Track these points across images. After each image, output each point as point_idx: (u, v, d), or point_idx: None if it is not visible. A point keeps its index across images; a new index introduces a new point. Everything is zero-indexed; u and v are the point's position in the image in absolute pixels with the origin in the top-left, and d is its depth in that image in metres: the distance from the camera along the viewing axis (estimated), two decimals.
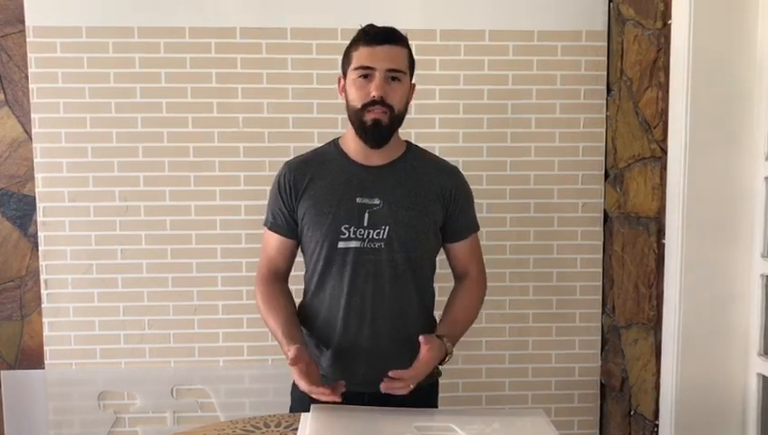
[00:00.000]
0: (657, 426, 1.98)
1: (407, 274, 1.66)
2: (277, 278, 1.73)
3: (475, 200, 2.32)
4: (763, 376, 1.78)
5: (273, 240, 1.72)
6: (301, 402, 1.72)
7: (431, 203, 1.67)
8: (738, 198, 1.80)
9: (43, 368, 2.34)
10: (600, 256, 2.39)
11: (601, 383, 2.42)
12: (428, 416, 1.53)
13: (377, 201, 1.63)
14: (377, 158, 1.66)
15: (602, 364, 2.41)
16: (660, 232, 1.95)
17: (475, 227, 1.79)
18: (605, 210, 2.36)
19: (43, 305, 2.31)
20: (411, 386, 1.55)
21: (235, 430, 1.52)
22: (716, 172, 1.80)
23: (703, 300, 1.84)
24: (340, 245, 1.62)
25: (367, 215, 1.62)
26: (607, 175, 2.34)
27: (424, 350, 1.55)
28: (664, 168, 1.90)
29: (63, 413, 2.34)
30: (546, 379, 2.43)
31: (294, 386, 1.78)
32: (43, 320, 2.32)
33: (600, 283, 2.40)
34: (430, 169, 1.71)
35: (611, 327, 2.33)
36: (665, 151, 1.90)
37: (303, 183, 1.66)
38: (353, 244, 1.62)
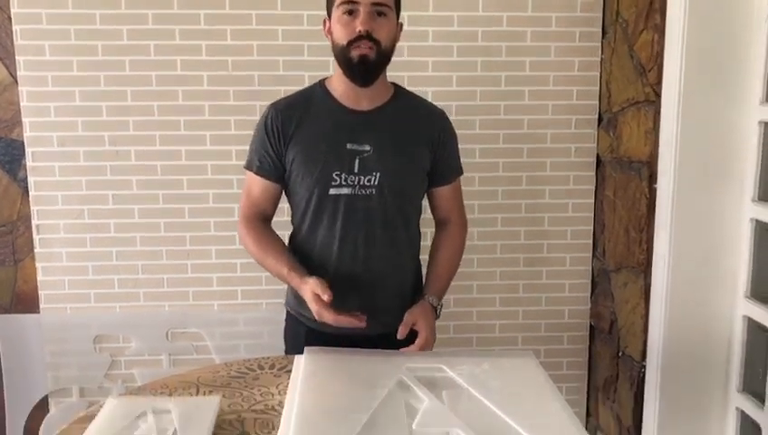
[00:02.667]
0: (644, 367, 2.02)
1: (397, 219, 1.66)
2: (262, 220, 1.72)
3: (468, 145, 2.32)
4: (749, 319, 1.81)
5: (259, 184, 1.69)
6: (294, 345, 1.75)
7: (419, 148, 1.66)
8: (731, 142, 1.80)
9: (38, 312, 2.35)
10: (592, 200, 2.39)
11: (590, 326, 2.46)
12: (419, 357, 1.55)
13: (367, 147, 1.61)
14: (365, 101, 1.64)
15: (592, 307, 2.45)
16: (652, 177, 1.95)
17: (459, 171, 1.78)
18: (598, 155, 2.35)
19: (35, 250, 2.32)
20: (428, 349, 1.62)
21: (230, 372, 1.54)
22: (710, 116, 1.79)
23: (693, 244, 1.85)
24: (332, 191, 1.62)
25: (358, 161, 1.61)
26: (600, 119, 2.33)
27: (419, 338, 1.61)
28: (658, 112, 1.89)
29: (60, 356, 2.37)
30: (536, 321, 2.47)
31: (287, 329, 1.80)
32: (37, 265, 2.32)
33: (591, 227, 2.41)
34: (418, 112, 1.69)
35: (601, 271, 2.36)
36: (659, 95, 1.89)
37: (291, 127, 1.63)
38: (345, 190, 1.62)
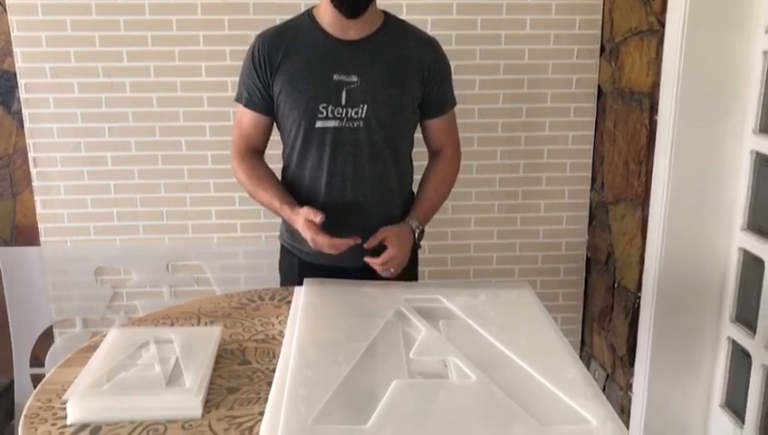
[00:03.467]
0: (639, 298, 2.05)
1: (385, 152, 1.65)
2: (254, 154, 1.71)
3: (468, 76, 2.28)
4: (744, 250, 1.83)
5: (249, 117, 1.66)
6: (288, 277, 1.77)
7: (409, 79, 1.62)
8: (734, 73, 1.77)
9: (39, 245, 2.37)
10: (592, 132, 2.37)
11: (587, 258, 2.48)
12: (417, 289, 1.57)
13: (354, 78, 1.57)
14: (353, 31, 1.59)
15: (589, 239, 2.47)
16: (653, 108, 1.93)
17: (453, 102, 1.75)
18: (599, 86, 2.32)
19: (33, 184, 2.31)
20: (392, 270, 1.61)
21: (231, 303, 1.56)
22: (714, 47, 1.76)
23: (692, 176, 1.85)
24: (318, 124, 1.59)
25: (345, 93, 1.57)
26: (602, 49, 2.29)
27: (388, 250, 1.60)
28: (661, 42, 1.86)
29: (62, 288, 2.39)
30: (533, 253, 2.49)
31: (282, 262, 1.82)
32: (35, 198, 2.32)
33: (591, 160, 2.40)
34: (408, 42, 1.64)
35: (599, 203, 2.36)
36: (662, 25, 1.85)
37: (278, 57, 1.59)
38: (331, 123, 1.59)
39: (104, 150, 2.30)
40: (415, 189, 1.80)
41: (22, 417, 1.11)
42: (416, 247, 1.72)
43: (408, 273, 1.74)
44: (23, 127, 2.27)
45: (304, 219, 1.52)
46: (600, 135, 2.34)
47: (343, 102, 1.58)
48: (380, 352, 1.25)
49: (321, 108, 1.58)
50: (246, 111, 1.66)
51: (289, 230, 1.69)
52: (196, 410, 1.11)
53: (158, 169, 2.33)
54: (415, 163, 1.79)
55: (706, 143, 1.83)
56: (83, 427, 1.08)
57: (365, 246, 1.60)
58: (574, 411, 1.07)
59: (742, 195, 1.83)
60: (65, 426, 1.08)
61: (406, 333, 1.32)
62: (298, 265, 1.74)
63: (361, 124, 1.60)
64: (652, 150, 1.94)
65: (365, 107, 1.59)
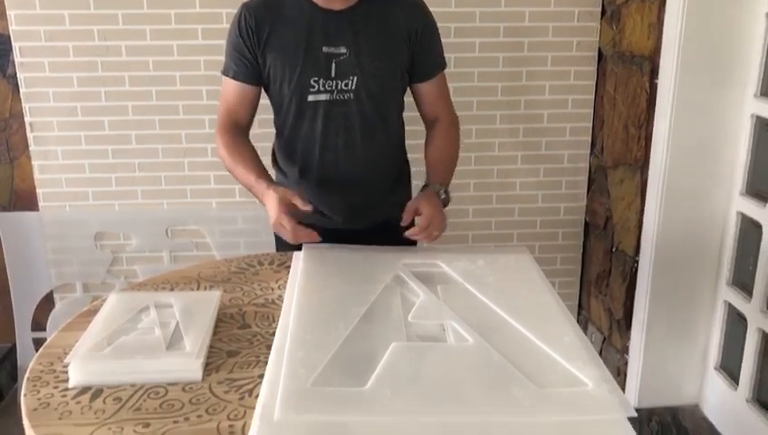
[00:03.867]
0: (636, 262, 2.06)
1: (376, 123, 1.63)
2: (238, 130, 1.64)
3: (467, 39, 2.26)
4: (743, 214, 1.83)
5: (234, 89, 1.62)
6: (283, 240, 1.76)
7: (397, 47, 1.59)
8: (736, 37, 1.75)
9: (38, 210, 2.37)
10: (592, 96, 2.36)
11: (585, 222, 2.49)
12: (416, 254, 1.58)
13: (343, 50, 1.55)
14: (339, 1, 1.54)
15: (587, 204, 2.47)
16: (654, 71, 1.92)
17: (442, 65, 1.70)
18: (599, 49, 2.30)
19: (30, 148, 2.30)
20: (436, 233, 1.54)
21: (230, 268, 1.57)
22: (715, 9, 1.74)
23: (691, 140, 1.84)
24: (310, 98, 1.57)
25: (334, 65, 1.55)
26: (603, 12, 2.26)
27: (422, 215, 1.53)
28: (662, 4, 1.83)
29: (61, 253, 2.40)
30: (532, 218, 2.49)
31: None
32: (33, 163, 2.32)
33: (590, 124, 2.39)
34: (394, 7, 1.59)
35: (598, 168, 2.36)
36: None
37: (265, 30, 1.55)
38: (323, 96, 1.57)
39: (101, 115, 2.28)
40: (409, 154, 1.79)
41: (24, 380, 1.12)
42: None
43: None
44: (18, 91, 2.25)
45: (278, 198, 1.45)
46: (601, 99, 2.32)
47: (333, 75, 1.56)
48: (379, 316, 1.25)
49: (312, 82, 1.56)
50: (233, 84, 1.61)
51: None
52: (197, 374, 1.12)
53: (155, 134, 2.31)
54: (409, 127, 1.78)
55: (707, 107, 1.82)
56: (85, 389, 1.09)
57: (402, 223, 1.55)
58: (570, 374, 1.08)
59: (741, 159, 1.82)
60: (67, 389, 1.09)
61: (404, 298, 1.33)
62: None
63: (351, 96, 1.58)
64: (652, 114, 1.93)
65: (354, 78, 1.56)
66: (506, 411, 0.99)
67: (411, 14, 1.61)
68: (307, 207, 1.46)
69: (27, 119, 2.27)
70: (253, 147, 1.66)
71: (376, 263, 1.48)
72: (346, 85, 1.57)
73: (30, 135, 2.29)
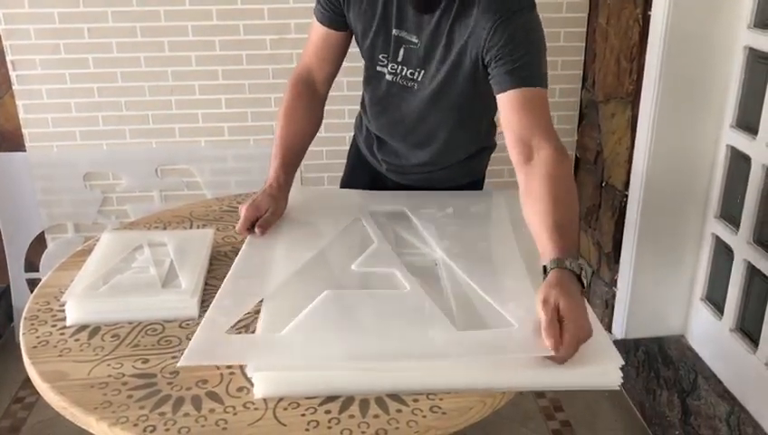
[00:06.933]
0: (626, 196, 2.07)
1: (435, 119, 1.52)
2: (308, 88, 1.54)
3: None
4: (732, 147, 1.84)
5: (319, 31, 1.51)
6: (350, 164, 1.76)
7: (468, 50, 1.37)
8: None
9: (25, 150, 2.34)
10: (584, 29, 2.32)
11: (576, 157, 2.49)
12: (388, 198, 1.56)
13: (414, 40, 1.42)
14: None
15: (578, 139, 2.46)
16: (647, 3, 1.89)
17: (528, 81, 1.34)
18: None
19: (13, 87, 2.26)
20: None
21: (222, 207, 1.57)
22: None
23: (683, 72, 1.83)
24: (378, 68, 1.49)
25: (402, 51, 1.44)
26: None
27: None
28: None
29: (51, 193, 2.39)
30: None
31: (352, 148, 1.80)
32: (17, 102, 2.28)
33: (582, 57, 2.36)
34: (475, 5, 1.35)
35: (590, 102, 2.35)
36: None
37: None
38: (388, 76, 1.49)
39: (85, 52, 2.23)
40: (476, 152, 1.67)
41: (22, 319, 1.14)
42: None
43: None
44: None
45: (258, 202, 1.39)
46: (593, 32, 2.29)
47: (400, 59, 1.46)
48: (328, 261, 1.26)
49: (381, 57, 1.47)
50: (317, 25, 1.51)
51: (366, 142, 1.66)
52: (193, 311, 1.14)
53: (141, 72, 2.27)
54: None
55: (699, 40, 1.80)
56: (83, 327, 1.10)
57: (543, 328, 0.99)
58: (501, 317, 1.07)
59: (733, 91, 1.82)
60: (65, 327, 1.11)
61: (361, 244, 1.32)
62: (356, 155, 1.74)
63: (415, 86, 1.47)
64: (644, 48, 1.91)
65: (421, 72, 1.45)
66: (416, 355, 0.98)
67: (490, 13, 1.35)
68: (252, 234, 1.38)
69: (9, 57, 2.22)
70: (311, 118, 1.55)
71: (344, 207, 1.48)
72: (411, 75, 1.47)
73: (12, 74, 2.24)
